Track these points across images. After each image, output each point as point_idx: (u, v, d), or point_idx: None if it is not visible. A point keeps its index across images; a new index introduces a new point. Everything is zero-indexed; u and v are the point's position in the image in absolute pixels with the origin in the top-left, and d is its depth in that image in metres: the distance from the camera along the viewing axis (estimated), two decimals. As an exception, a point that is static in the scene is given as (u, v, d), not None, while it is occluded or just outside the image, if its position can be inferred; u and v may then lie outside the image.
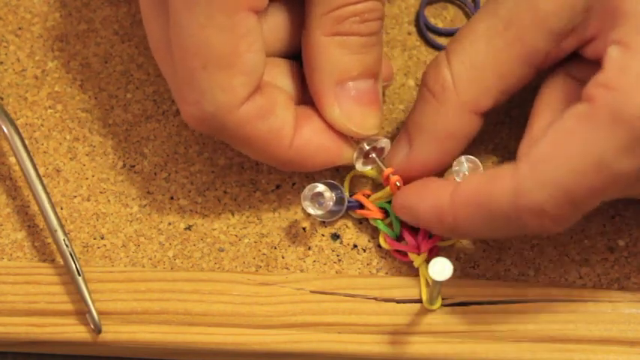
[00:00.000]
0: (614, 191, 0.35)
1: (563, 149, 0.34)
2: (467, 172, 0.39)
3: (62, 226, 0.41)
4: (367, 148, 0.40)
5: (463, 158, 0.40)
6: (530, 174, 0.34)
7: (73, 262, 0.40)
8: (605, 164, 0.33)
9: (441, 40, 0.47)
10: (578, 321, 0.40)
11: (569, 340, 0.40)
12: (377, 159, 0.41)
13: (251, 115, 0.38)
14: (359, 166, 0.41)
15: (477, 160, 0.40)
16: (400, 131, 0.41)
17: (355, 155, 0.41)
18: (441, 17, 0.48)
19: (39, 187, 0.41)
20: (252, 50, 0.36)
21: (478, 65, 0.38)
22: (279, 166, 0.41)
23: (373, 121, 0.40)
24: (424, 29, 0.47)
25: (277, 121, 0.38)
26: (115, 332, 0.41)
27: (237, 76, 0.37)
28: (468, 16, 0.47)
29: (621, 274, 0.41)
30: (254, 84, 0.37)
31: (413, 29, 0.47)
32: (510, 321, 0.40)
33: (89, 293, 0.40)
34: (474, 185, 0.36)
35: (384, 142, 0.41)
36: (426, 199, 0.38)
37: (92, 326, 0.40)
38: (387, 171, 0.40)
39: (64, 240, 0.41)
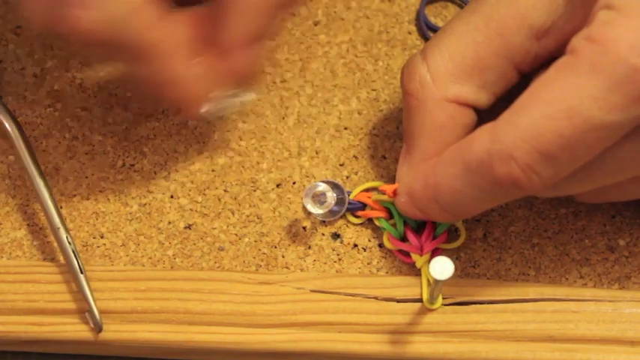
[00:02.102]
0: (586, 149, 0.33)
1: (538, 96, 0.33)
2: None
3: (64, 224, 0.41)
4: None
5: None
6: (506, 122, 0.34)
7: (75, 260, 0.40)
8: (576, 111, 0.32)
9: (442, 40, 0.47)
10: (578, 320, 0.40)
11: (570, 340, 0.40)
12: None
13: (154, 17, 0.36)
14: None
15: None
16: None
17: None
18: (442, 16, 0.48)
19: (41, 185, 0.41)
20: None
21: (456, 58, 0.37)
22: (166, 86, 0.38)
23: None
24: (424, 28, 0.47)
25: (177, 33, 0.37)
26: (115, 331, 0.41)
27: None
28: (468, 15, 0.47)
29: (622, 273, 0.41)
30: None
31: (413, 28, 0.47)
32: (511, 320, 0.40)
33: (91, 292, 0.40)
34: (457, 143, 0.36)
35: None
36: (419, 175, 0.38)
37: (92, 325, 0.40)
38: (391, 187, 0.40)
39: (66, 237, 0.40)
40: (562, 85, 0.33)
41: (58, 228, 0.40)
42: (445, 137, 0.38)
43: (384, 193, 0.40)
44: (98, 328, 0.40)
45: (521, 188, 0.34)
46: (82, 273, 0.40)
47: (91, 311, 0.40)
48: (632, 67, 0.32)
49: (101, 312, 0.40)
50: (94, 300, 0.40)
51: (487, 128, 0.35)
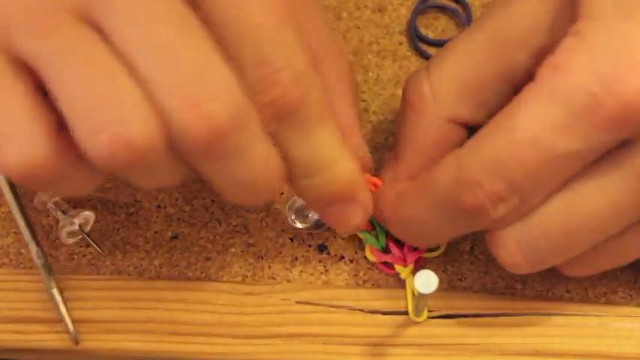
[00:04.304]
0: (550, 177, 0.34)
1: (502, 124, 0.33)
2: None
3: (36, 238, 0.41)
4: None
5: None
6: (471, 150, 0.34)
7: (46, 274, 0.40)
8: (539, 140, 0.32)
9: (432, 51, 0.47)
10: (564, 335, 0.40)
11: (555, 354, 0.40)
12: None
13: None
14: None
15: None
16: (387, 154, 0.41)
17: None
18: (432, 27, 0.48)
19: (12, 202, 0.41)
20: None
21: (457, 76, 0.38)
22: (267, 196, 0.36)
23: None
24: (415, 39, 0.47)
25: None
26: (100, 340, 0.40)
27: (300, 34, 0.33)
28: (459, 26, 0.47)
29: (609, 288, 0.41)
30: None
31: (404, 39, 0.47)
32: (497, 334, 0.40)
33: (65, 304, 0.40)
34: (422, 176, 0.36)
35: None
36: (389, 205, 0.38)
37: (70, 337, 0.40)
38: (371, 180, 0.40)
39: (37, 251, 0.41)
40: (525, 113, 0.33)
41: (28, 242, 0.41)
42: (434, 154, 0.39)
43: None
44: (75, 340, 0.40)
45: (488, 216, 0.34)
46: (53, 288, 0.40)
47: (65, 325, 0.40)
48: (592, 95, 0.31)
49: (86, 321, 0.40)
50: (68, 312, 0.40)
51: (452, 157, 0.35)
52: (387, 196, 0.39)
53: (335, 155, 0.35)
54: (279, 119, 0.33)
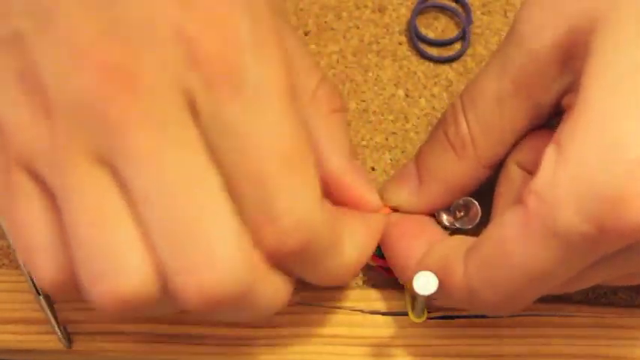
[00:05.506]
0: (560, 281, 0.34)
1: (504, 259, 0.33)
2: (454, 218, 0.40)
3: None
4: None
5: (461, 201, 0.40)
6: (480, 277, 0.34)
7: (31, 282, 0.40)
8: (547, 272, 0.32)
9: (432, 51, 0.47)
10: (563, 336, 0.40)
11: (555, 355, 0.40)
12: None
13: (331, 214, 0.34)
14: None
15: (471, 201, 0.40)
16: (406, 167, 0.41)
17: None
18: (432, 27, 0.47)
19: None
20: (309, 140, 0.33)
21: (493, 125, 0.38)
22: (340, 279, 0.36)
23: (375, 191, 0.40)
24: (415, 39, 0.47)
25: (341, 221, 0.35)
26: (93, 342, 0.41)
27: (315, 170, 0.33)
28: (458, 26, 0.47)
29: (609, 288, 0.41)
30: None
31: (404, 39, 0.47)
32: (496, 335, 0.40)
33: (53, 311, 0.40)
34: (432, 268, 0.36)
35: None
36: (398, 251, 0.39)
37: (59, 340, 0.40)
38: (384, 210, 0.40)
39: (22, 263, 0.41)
40: (525, 251, 0.32)
41: (14, 250, 0.41)
42: (461, 193, 0.40)
43: None
44: (67, 344, 0.40)
45: (500, 313, 0.36)
46: (39, 295, 0.40)
47: (54, 331, 0.40)
48: (585, 234, 0.31)
49: (84, 322, 0.40)
50: (56, 318, 0.40)
51: (459, 272, 0.35)
52: (456, 272, 0.36)
53: (344, 264, 0.36)
54: (284, 258, 0.33)
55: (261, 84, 0.31)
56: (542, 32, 0.35)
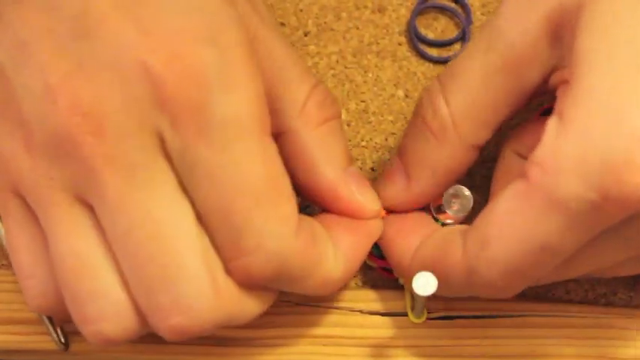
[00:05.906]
0: (560, 258, 0.33)
1: (507, 231, 0.33)
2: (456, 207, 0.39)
3: None
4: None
5: (451, 190, 0.39)
6: (480, 253, 0.33)
7: None
8: (549, 244, 0.32)
9: (432, 51, 0.47)
10: (562, 336, 0.40)
11: (555, 356, 0.40)
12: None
13: (307, 240, 0.34)
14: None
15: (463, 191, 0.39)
16: (390, 164, 0.40)
17: None
18: (432, 28, 0.47)
19: None
20: (284, 172, 0.34)
21: (477, 102, 0.37)
22: (328, 291, 0.37)
23: (375, 196, 0.39)
24: (415, 40, 0.47)
25: (323, 241, 0.36)
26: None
27: (288, 203, 0.33)
28: (458, 27, 0.47)
29: (608, 289, 0.41)
30: (296, 207, 0.34)
31: (404, 40, 0.47)
32: (496, 335, 0.40)
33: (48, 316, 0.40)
34: (429, 253, 0.36)
35: None
36: (395, 247, 0.38)
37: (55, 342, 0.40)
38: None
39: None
40: (528, 222, 0.32)
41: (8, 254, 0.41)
42: (452, 180, 0.38)
43: None
44: (63, 347, 0.40)
45: (503, 297, 0.35)
46: None
47: (50, 334, 0.40)
48: (591, 203, 0.30)
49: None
50: (51, 320, 0.40)
51: (458, 252, 0.34)
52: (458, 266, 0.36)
53: (329, 280, 0.36)
54: (259, 283, 0.34)
55: (227, 120, 0.31)
56: (533, 5, 0.35)
